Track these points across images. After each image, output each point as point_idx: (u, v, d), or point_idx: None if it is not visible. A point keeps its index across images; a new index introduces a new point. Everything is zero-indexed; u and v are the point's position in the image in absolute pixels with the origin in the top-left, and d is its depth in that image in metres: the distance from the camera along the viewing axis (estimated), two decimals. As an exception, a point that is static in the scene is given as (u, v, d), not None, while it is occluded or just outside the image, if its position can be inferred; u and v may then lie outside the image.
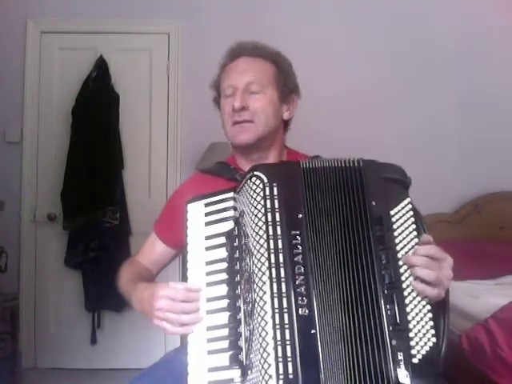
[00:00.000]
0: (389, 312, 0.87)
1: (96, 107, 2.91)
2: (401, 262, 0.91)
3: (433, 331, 0.87)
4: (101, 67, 2.96)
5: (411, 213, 0.95)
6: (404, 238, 0.93)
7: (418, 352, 0.86)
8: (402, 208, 0.95)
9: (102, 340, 2.96)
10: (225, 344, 0.92)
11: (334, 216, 0.95)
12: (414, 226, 0.94)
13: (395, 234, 0.93)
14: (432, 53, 3.04)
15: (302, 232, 0.92)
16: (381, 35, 3.04)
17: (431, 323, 0.88)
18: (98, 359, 2.94)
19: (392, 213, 0.94)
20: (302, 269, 0.89)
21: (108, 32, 3.01)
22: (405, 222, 0.94)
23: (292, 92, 1.26)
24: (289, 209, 0.93)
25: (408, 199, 0.97)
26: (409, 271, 0.90)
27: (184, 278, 1.00)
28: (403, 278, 0.90)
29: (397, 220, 0.94)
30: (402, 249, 0.92)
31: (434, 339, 0.87)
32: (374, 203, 0.95)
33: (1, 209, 2.66)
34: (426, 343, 0.86)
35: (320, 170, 0.99)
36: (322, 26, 3.02)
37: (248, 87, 1.18)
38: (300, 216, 0.93)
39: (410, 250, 0.92)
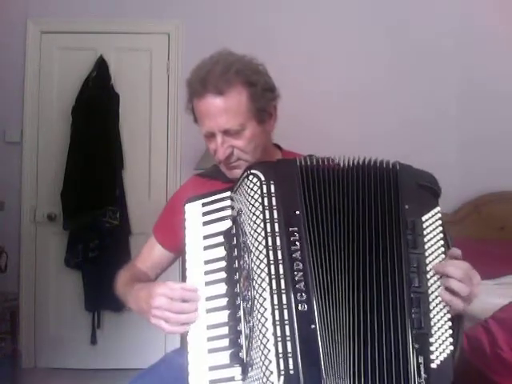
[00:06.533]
0: (413, 315, 0.87)
1: (96, 107, 2.90)
2: (428, 268, 0.91)
3: (451, 339, 0.87)
4: (101, 67, 2.95)
5: (440, 222, 0.95)
6: (432, 246, 0.93)
7: (437, 358, 0.86)
8: (432, 216, 0.95)
9: (102, 340, 2.96)
10: (225, 342, 0.93)
11: (344, 214, 0.95)
12: (441, 235, 0.94)
13: (425, 239, 0.93)
14: (431, 52, 3.03)
15: (299, 229, 0.91)
16: (380, 32, 3.03)
17: (450, 331, 0.88)
18: (98, 359, 2.95)
19: (423, 219, 0.94)
20: (301, 265, 0.89)
21: (108, 32, 3.01)
22: (433, 230, 0.94)
23: (271, 102, 1.16)
24: (286, 206, 0.93)
25: (438, 208, 0.96)
26: (435, 278, 0.90)
27: (183, 279, 1.00)
28: (429, 284, 0.90)
29: (427, 227, 0.94)
30: (429, 255, 0.92)
31: (451, 347, 0.87)
32: (407, 206, 0.94)
33: (1, 209, 2.66)
34: (444, 350, 0.87)
35: (318, 168, 0.98)
36: (322, 24, 3.02)
37: (226, 132, 1.11)
38: (297, 213, 0.93)
39: (436, 258, 0.92)
